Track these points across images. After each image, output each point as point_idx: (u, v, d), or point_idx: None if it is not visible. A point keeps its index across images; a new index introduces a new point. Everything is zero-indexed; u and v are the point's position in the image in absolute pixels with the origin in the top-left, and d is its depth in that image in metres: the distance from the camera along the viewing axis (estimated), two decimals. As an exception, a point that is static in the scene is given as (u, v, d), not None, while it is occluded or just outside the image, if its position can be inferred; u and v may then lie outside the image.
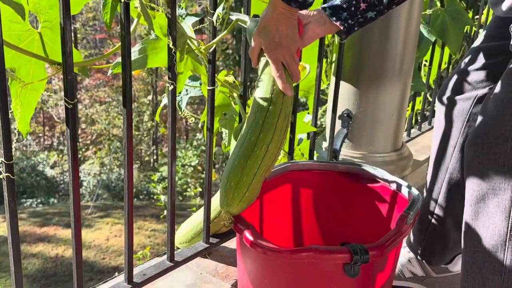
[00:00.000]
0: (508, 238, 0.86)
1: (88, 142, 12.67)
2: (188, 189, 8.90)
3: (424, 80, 2.24)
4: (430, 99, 2.43)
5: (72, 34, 0.92)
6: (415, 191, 1.04)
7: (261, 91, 0.94)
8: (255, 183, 0.90)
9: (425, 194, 1.28)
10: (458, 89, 1.16)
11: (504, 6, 0.98)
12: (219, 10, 1.13)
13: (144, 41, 1.12)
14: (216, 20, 1.14)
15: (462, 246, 0.96)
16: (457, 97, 1.16)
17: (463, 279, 0.97)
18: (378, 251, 0.87)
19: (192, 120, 1.44)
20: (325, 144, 1.69)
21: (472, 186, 0.91)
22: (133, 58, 1.13)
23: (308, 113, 1.62)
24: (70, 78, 0.88)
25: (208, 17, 1.16)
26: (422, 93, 2.22)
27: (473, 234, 0.92)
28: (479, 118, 0.92)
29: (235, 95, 1.32)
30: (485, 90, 1.12)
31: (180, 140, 11.75)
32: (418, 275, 1.29)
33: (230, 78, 1.32)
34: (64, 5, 0.85)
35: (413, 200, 1.01)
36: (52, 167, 11.49)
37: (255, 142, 0.90)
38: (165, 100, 1.27)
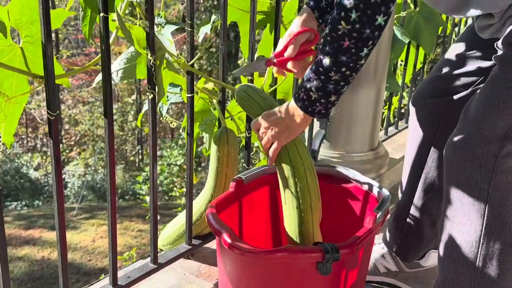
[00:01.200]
0: (482, 235, 0.92)
1: (72, 143, 12.59)
2: (174, 189, 8.91)
3: (400, 79, 2.30)
4: (407, 98, 2.50)
5: (54, 35, 0.95)
6: (385, 192, 1.10)
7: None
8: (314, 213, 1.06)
9: (400, 193, 1.34)
10: (433, 93, 1.21)
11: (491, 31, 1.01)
12: (206, 30, 1.18)
13: (127, 53, 1.15)
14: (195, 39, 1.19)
15: (439, 241, 1.01)
16: (432, 101, 1.21)
17: (439, 273, 1.02)
18: (349, 249, 0.92)
19: (173, 125, 1.48)
20: (303, 145, 1.74)
21: (450, 185, 0.96)
22: (120, 67, 1.16)
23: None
24: (52, 90, 0.92)
25: (187, 27, 1.20)
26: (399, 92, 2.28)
27: (449, 231, 0.97)
28: (460, 122, 0.96)
29: (214, 101, 1.36)
30: (459, 95, 1.17)
31: (166, 139, 11.73)
32: (392, 270, 1.35)
33: (209, 85, 1.36)
34: (45, 20, 0.88)
35: (383, 199, 1.06)
36: (36, 169, 11.40)
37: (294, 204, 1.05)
38: (146, 106, 1.31)
